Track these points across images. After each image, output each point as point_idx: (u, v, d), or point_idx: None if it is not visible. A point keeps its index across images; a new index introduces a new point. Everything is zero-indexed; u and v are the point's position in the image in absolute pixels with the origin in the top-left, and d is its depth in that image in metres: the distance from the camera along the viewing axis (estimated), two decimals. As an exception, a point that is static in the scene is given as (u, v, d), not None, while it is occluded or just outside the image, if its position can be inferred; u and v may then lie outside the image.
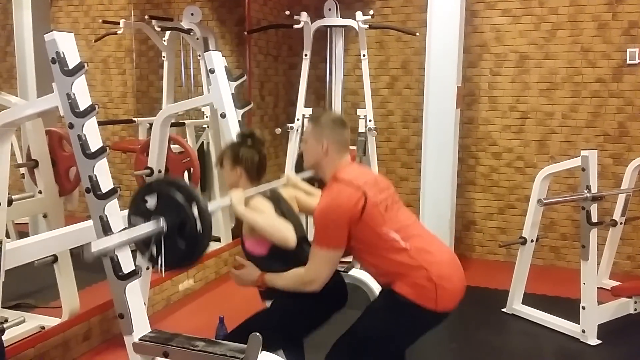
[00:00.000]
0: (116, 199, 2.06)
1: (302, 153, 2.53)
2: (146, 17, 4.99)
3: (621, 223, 4.35)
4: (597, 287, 3.64)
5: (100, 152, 1.97)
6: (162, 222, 1.76)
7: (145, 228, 1.74)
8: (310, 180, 2.74)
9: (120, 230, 1.86)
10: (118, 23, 4.92)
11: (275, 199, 2.46)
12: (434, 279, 2.14)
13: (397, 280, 2.18)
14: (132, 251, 2.16)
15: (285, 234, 2.21)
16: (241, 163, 2.44)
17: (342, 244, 2.20)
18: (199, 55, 5.07)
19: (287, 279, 2.27)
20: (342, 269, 2.62)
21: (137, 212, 1.82)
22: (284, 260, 2.32)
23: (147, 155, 3.53)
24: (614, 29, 4.72)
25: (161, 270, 1.81)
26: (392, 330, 2.21)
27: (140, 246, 1.81)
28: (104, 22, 5.07)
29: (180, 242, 1.78)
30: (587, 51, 4.81)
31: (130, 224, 1.83)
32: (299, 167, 2.92)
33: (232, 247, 4.95)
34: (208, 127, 5.17)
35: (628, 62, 4.69)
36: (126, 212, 1.98)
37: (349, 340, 2.27)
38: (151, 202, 1.79)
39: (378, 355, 2.26)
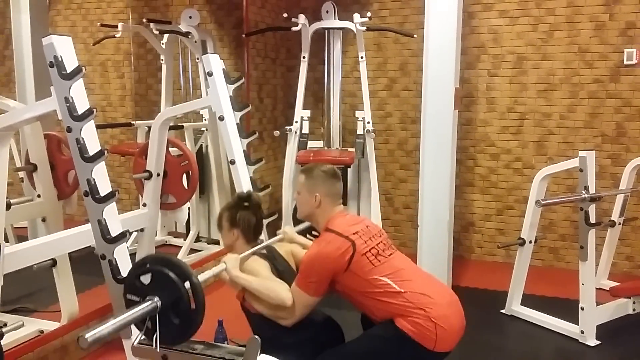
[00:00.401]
0: (115, 203, 2.06)
1: (295, 199, 2.59)
2: (144, 20, 4.99)
3: (619, 223, 4.35)
4: (596, 288, 3.64)
5: (99, 155, 1.98)
6: (157, 301, 1.79)
7: (140, 309, 1.76)
8: (309, 231, 2.80)
9: (122, 242, 1.87)
10: (116, 26, 4.92)
11: (272, 256, 2.53)
12: (434, 319, 2.17)
13: (398, 317, 2.20)
14: (130, 254, 2.17)
15: (281, 294, 2.27)
16: (238, 226, 2.54)
17: (320, 294, 2.28)
18: (197, 58, 5.07)
19: (264, 305, 2.33)
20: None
21: (132, 290, 1.85)
22: None
23: (146, 158, 3.53)
24: (611, 29, 4.72)
25: (156, 346, 1.83)
26: (386, 358, 2.23)
27: (137, 323, 1.84)
28: (102, 25, 5.07)
29: (174, 319, 1.81)
30: (584, 52, 4.82)
31: (127, 302, 1.86)
32: (296, 221, 2.99)
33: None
34: (207, 130, 5.17)
35: (625, 62, 4.70)
36: (124, 215, 1.98)
37: (341, 355, 2.29)
38: (145, 280, 1.82)
39: None
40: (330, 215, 2.40)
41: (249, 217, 2.55)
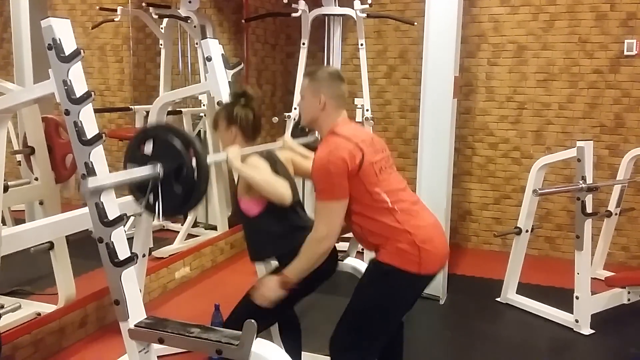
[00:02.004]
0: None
1: (299, 119, 2.52)
2: (143, 4, 4.96)
3: (616, 214, 4.37)
4: (591, 278, 3.67)
5: (97, 138, 1.97)
6: (159, 168, 1.75)
7: (142, 171, 1.73)
8: (307, 146, 2.74)
9: (119, 225, 1.87)
10: (115, 10, 4.89)
11: (272, 160, 2.45)
12: (417, 243, 2.16)
13: (381, 247, 2.21)
14: (128, 238, 2.17)
15: (282, 190, 2.22)
16: (236, 122, 2.44)
17: (345, 194, 2.17)
18: (196, 43, 5.05)
19: (303, 251, 2.21)
20: (339, 258, 2.64)
21: (134, 159, 1.80)
22: (278, 218, 2.34)
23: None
24: (612, 20, 4.71)
25: (158, 215, 1.79)
26: (382, 300, 2.23)
27: (137, 193, 1.80)
28: (100, 9, 5.04)
29: (177, 188, 1.76)
30: (584, 42, 4.81)
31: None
32: (295, 134, 2.94)
33: (228, 235, 4.97)
34: (205, 115, 5.16)
35: (625, 53, 4.70)
36: (122, 199, 1.98)
37: (346, 322, 2.29)
38: (147, 148, 1.77)
39: (375, 328, 2.27)
40: (336, 120, 2.31)
41: (246, 113, 2.45)
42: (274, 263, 2.50)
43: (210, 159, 2.04)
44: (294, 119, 4.83)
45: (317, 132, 2.53)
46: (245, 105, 2.47)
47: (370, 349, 2.30)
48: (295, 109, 4.86)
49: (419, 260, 2.16)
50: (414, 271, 2.17)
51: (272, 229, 2.34)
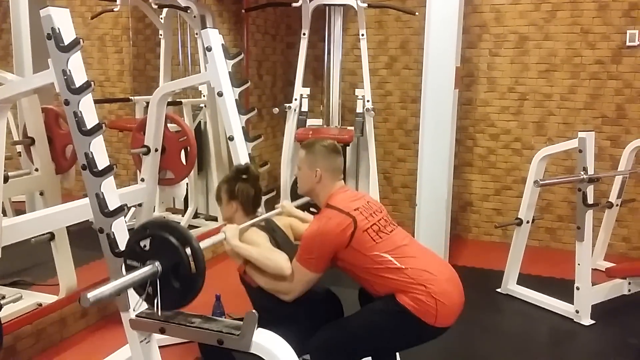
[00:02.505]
0: (112, 176, 2.06)
1: (296, 175, 2.58)
2: (143, -6, 4.94)
3: (617, 205, 4.37)
4: (592, 268, 3.67)
5: (97, 129, 1.97)
6: (157, 266, 1.79)
7: (141, 273, 1.76)
8: (307, 206, 2.80)
9: (119, 215, 1.87)
10: (114, 0, 4.87)
11: (270, 229, 2.54)
12: (434, 295, 2.17)
13: (398, 292, 2.21)
14: (128, 229, 2.17)
15: (280, 263, 2.27)
16: (237, 198, 2.54)
17: (321, 269, 2.27)
18: (196, 34, 5.03)
19: (264, 280, 2.33)
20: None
21: (132, 255, 1.85)
22: None
23: (144, 133, 3.52)
24: (614, 10, 4.69)
25: (157, 311, 1.84)
26: (386, 332, 2.25)
27: (137, 288, 1.84)
28: (100, -1, 5.02)
29: (175, 283, 1.81)
30: (586, 33, 4.79)
31: (127, 267, 1.85)
32: (295, 192, 2.99)
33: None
34: (205, 106, 5.15)
35: (628, 44, 4.67)
36: (122, 189, 1.98)
37: (337, 332, 2.30)
38: (145, 244, 1.82)
39: (362, 353, 2.33)
40: (331, 191, 2.39)
41: (247, 189, 2.54)
42: None
43: (209, 241, 2.11)
44: (294, 110, 4.82)
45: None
46: (246, 181, 2.56)
47: None
48: (295, 99, 4.84)
49: (436, 313, 2.18)
50: (429, 322, 2.18)
51: (276, 299, 2.36)
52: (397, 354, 2.65)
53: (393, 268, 2.21)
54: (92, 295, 1.58)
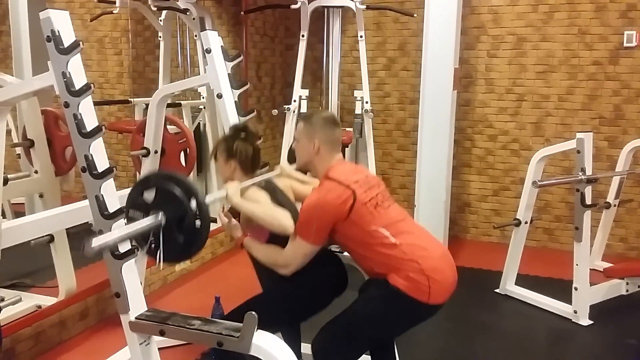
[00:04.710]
0: (112, 179, 2.06)
1: (294, 147, 2.55)
2: (142, -4, 4.95)
3: (615, 205, 4.38)
4: (590, 269, 3.68)
5: (96, 131, 1.97)
6: (161, 217, 1.77)
7: (144, 222, 1.75)
8: (304, 171, 2.76)
9: (119, 218, 1.87)
10: (114, 2, 4.87)
11: (271, 189, 2.49)
12: (426, 272, 2.17)
13: (391, 272, 2.21)
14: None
15: (283, 221, 2.24)
16: (235, 156, 2.47)
17: (320, 241, 2.25)
18: (196, 36, 5.03)
19: (263, 253, 2.32)
20: (339, 250, 2.64)
21: (135, 205, 1.82)
22: (283, 246, 2.34)
23: (144, 135, 3.52)
24: (612, 11, 4.70)
25: (159, 263, 1.82)
26: (384, 319, 2.25)
27: (139, 240, 1.82)
28: (99, 1, 5.01)
29: (178, 236, 1.79)
30: (584, 34, 4.80)
31: (129, 217, 1.84)
32: (292, 159, 2.97)
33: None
34: (204, 107, 5.15)
35: (625, 44, 4.69)
36: (122, 192, 1.98)
37: (339, 325, 2.30)
38: (149, 196, 1.80)
39: (366, 341, 2.32)
40: (330, 163, 2.35)
41: (246, 147, 2.48)
42: None
43: (211, 197, 2.08)
44: (294, 111, 4.83)
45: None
46: (244, 140, 2.51)
47: (353, 356, 2.33)
48: (294, 101, 4.85)
49: (429, 290, 2.17)
50: (422, 300, 2.18)
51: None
52: (397, 357, 2.65)
53: (388, 243, 2.21)
54: (96, 243, 1.57)
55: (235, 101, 3.43)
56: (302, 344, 2.78)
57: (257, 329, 1.74)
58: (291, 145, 3.10)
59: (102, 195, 1.96)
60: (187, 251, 1.81)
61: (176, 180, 1.80)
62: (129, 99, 5.07)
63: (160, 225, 1.77)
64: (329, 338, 2.29)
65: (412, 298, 2.17)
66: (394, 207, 2.36)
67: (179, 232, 1.78)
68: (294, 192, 2.62)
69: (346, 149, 4.78)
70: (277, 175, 2.64)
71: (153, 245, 1.81)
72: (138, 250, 1.90)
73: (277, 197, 2.46)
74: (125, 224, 1.81)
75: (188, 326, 1.83)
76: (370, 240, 2.23)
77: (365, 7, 4.69)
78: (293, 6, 4.72)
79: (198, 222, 1.78)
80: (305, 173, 2.76)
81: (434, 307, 2.25)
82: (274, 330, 2.51)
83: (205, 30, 3.23)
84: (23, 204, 3.69)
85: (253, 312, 1.77)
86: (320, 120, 2.39)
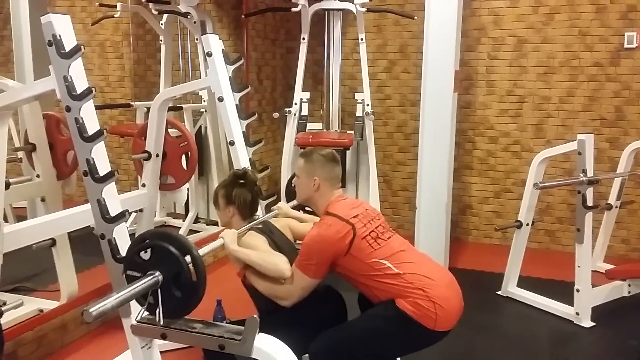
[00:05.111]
0: (114, 182, 2.07)
1: (294, 184, 2.59)
2: (143, 0, 4.96)
3: (616, 207, 4.37)
4: (592, 270, 3.68)
5: (98, 135, 1.98)
6: (158, 275, 1.80)
7: (142, 284, 1.77)
8: (303, 206, 2.82)
9: (121, 221, 1.88)
10: (115, 6, 4.89)
11: (268, 230, 2.54)
12: (433, 299, 2.19)
13: (398, 297, 2.22)
14: (130, 234, 2.18)
15: (280, 265, 2.28)
16: (234, 203, 2.55)
17: (320, 275, 2.28)
18: (197, 39, 5.04)
19: (264, 285, 2.34)
20: None
21: (133, 265, 1.85)
22: None
23: (145, 139, 3.53)
24: (612, 12, 4.70)
25: (159, 320, 1.84)
26: (386, 337, 2.26)
27: (139, 298, 1.84)
28: (100, 5, 5.03)
29: (176, 292, 1.81)
30: (584, 35, 4.80)
31: (127, 278, 1.86)
32: (289, 196, 3.01)
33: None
34: (206, 111, 5.16)
35: (626, 46, 4.68)
36: (123, 195, 1.99)
37: (339, 336, 2.31)
38: (146, 255, 1.82)
39: (363, 357, 2.32)
40: (329, 199, 2.41)
41: (244, 194, 2.55)
42: None
43: (206, 248, 2.11)
44: (294, 114, 4.84)
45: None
46: (243, 186, 2.57)
47: None
48: (295, 104, 4.86)
49: (435, 317, 2.19)
50: (429, 327, 2.19)
51: (278, 307, 2.36)
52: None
53: (391, 274, 2.23)
54: (94, 309, 1.58)
55: (236, 104, 3.44)
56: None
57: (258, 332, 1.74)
58: (288, 182, 3.17)
59: (103, 198, 1.97)
60: (186, 306, 1.84)
61: (170, 239, 1.83)
62: (131, 103, 5.08)
63: (157, 283, 1.79)
64: (326, 347, 2.29)
65: (419, 323, 2.19)
66: (394, 239, 2.40)
67: (176, 288, 1.81)
68: (292, 231, 2.67)
69: (347, 151, 4.79)
70: (275, 216, 2.70)
71: (152, 302, 1.83)
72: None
73: (275, 238, 2.52)
74: (127, 283, 1.82)
75: (189, 329, 1.84)
76: (372, 272, 2.26)
77: (365, 9, 4.70)
78: (294, 9, 4.74)
79: (194, 278, 1.81)
80: (304, 208, 2.81)
81: (440, 334, 2.26)
82: None
83: (206, 33, 3.24)
84: (25, 208, 3.70)
85: (254, 315, 1.77)
86: (320, 158, 2.44)
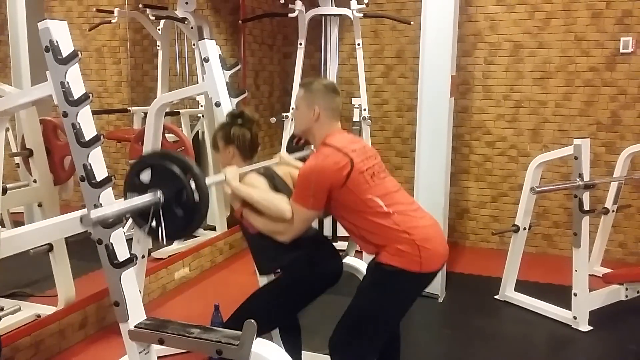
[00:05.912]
0: (111, 188, 2.06)
1: (294, 134, 2.56)
2: (140, 5, 4.96)
3: (613, 211, 4.38)
4: (589, 274, 3.69)
5: (95, 140, 1.97)
6: (159, 194, 1.78)
7: (144, 199, 1.75)
8: (304, 159, 2.77)
9: (118, 226, 1.88)
10: (112, 12, 4.89)
11: (269, 175, 2.51)
12: (417, 242, 2.20)
13: (381, 249, 2.24)
14: (127, 240, 2.18)
15: (281, 205, 2.25)
16: (233, 142, 2.49)
17: (319, 207, 2.25)
18: (194, 44, 5.06)
19: (262, 222, 2.31)
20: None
21: (133, 188, 1.82)
22: None
23: (142, 144, 3.53)
24: (608, 17, 4.73)
25: (162, 239, 1.82)
26: (384, 302, 2.26)
27: (139, 220, 1.82)
28: (97, 10, 5.04)
29: (178, 211, 1.78)
30: (580, 40, 4.83)
31: (126, 199, 1.84)
32: (290, 149, 2.98)
33: (227, 235, 4.97)
34: (203, 116, 5.17)
35: (621, 50, 4.71)
36: (120, 200, 1.99)
37: (347, 322, 2.31)
38: (145, 177, 1.80)
39: (377, 329, 2.31)
40: (329, 131, 2.35)
41: (243, 133, 2.50)
42: None
43: (209, 180, 2.07)
44: (292, 119, 4.83)
45: (312, 145, 2.57)
46: (242, 125, 2.52)
47: (371, 349, 2.32)
48: (292, 109, 4.86)
49: (420, 260, 2.19)
50: (416, 270, 2.20)
51: (275, 243, 2.35)
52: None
53: (382, 212, 2.22)
54: (94, 214, 1.58)
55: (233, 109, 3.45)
56: (302, 352, 2.79)
57: (256, 336, 1.74)
58: (291, 136, 3.12)
59: (100, 204, 1.96)
60: (188, 225, 1.81)
61: (171, 158, 1.81)
62: (128, 108, 5.08)
63: (159, 202, 1.77)
64: (342, 334, 2.29)
65: (405, 270, 2.19)
66: (389, 179, 2.38)
67: (178, 207, 1.78)
68: (293, 180, 2.61)
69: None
70: (276, 164, 2.65)
71: (154, 223, 1.81)
72: (136, 259, 1.90)
73: (276, 183, 2.48)
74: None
75: (187, 334, 1.83)
76: (365, 209, 2.24)
77: (362, 15, 4.72)
78: (291, 15, 4.75)
79: (197, 196, 1.78)
80: (303, 147, 2.78)
81: (428, 275, 2.28)
82: (273, 325, 2.53)
83: (204, 39, 3.24)
84: (22, 213, 3.69)
85: (252, 320, 1.77)
86: (321, 87, 2.38)
